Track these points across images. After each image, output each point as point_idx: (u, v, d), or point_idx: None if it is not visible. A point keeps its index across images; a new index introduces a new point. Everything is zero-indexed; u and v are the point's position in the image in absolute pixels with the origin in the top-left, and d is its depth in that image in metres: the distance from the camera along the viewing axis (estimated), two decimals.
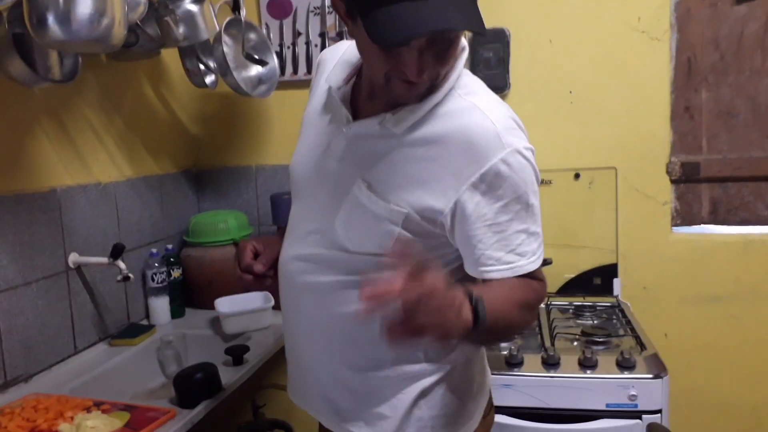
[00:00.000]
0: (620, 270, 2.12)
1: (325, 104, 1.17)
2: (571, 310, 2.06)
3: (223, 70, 1.94)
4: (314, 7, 2.21)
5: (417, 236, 1.03)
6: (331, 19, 2.20)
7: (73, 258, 1.70)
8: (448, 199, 1.00)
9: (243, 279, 1.24)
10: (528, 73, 2.14)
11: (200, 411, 1.38)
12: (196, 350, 1.74)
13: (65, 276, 1.69)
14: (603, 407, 1.59)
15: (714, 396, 2.11)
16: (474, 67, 2.12)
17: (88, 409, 1.34)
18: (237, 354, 1.63)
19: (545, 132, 2.12)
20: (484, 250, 1.00)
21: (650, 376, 1.59)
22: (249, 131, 2.36)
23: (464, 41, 1.09)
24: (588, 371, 1.62)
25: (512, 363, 1.66)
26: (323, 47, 2.21)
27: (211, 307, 1.91)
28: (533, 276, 1.03)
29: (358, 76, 1.12)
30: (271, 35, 2.24)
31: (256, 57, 2.09)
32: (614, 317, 1.99)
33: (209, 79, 2.11)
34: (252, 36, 2.08)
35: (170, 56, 2.18)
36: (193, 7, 1.82)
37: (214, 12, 1.88)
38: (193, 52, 2.06)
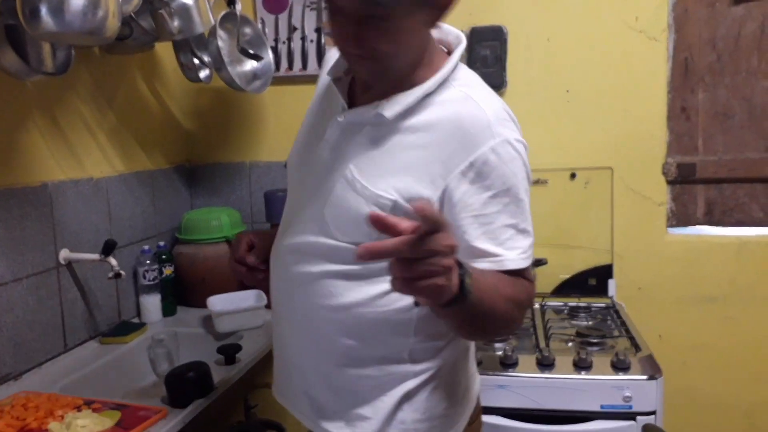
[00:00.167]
0: (615, 270, 2.12)
1: (324, 96, 1.18)
2: (565, 311, 2.05)
3: (218, 65, 1.93)
4: (310, 2, 2.19)
5: None
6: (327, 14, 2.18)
7: (64, 254, 1.68)
8: (437, 187, 0.99)
9: (236, 270, 1.25)
10: (525, 72, 2.14)
11: (192, 410, 1.36)
12: (188, 349, 1.72)
13: (56, 272, 1.67)
14: (598, 408, 1.58)
15: (708, 397, 2.11)
16: (471, 64, 2.09)
17: (78, 408, 1.32)
18: (229, 353, 1.61)
19: (542, 131, 2.12)
20: (470, 241, 0.98)
21: (645, 377, 1.59)
22: (243, 127, 2.34)
23: (461, 34, 1.10)
24: (582, 372, 1.61)
25: (507, 363, 1.66)
26: (319, 43, 2.20)
27: (204, 305, 1.90)
28: (523, 276, 1.01)
29: None
30: (267, 30, 2.21)
31: (251, 52, 2.07)
32: (609, 318, 1.99)
33: (203, 73, 2.10)
34: (247, 30, 2.07)
35: (164, 50, 2.15)
36: (189, 0, 1.80)
37: (209, 5, 1.86)
38: (187, 45, 2.04)
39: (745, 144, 2.08)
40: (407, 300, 0.93)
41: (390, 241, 0.72)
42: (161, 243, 2.06)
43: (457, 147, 0.98)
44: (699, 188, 2.13)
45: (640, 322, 1.94)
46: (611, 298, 2.10)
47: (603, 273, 2.11)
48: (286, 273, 1.14)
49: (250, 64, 2.10)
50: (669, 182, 2.11)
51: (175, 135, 2.31)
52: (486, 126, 0.98)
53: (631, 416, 1.58)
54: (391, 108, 1.02)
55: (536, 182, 2.11)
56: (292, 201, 1.21)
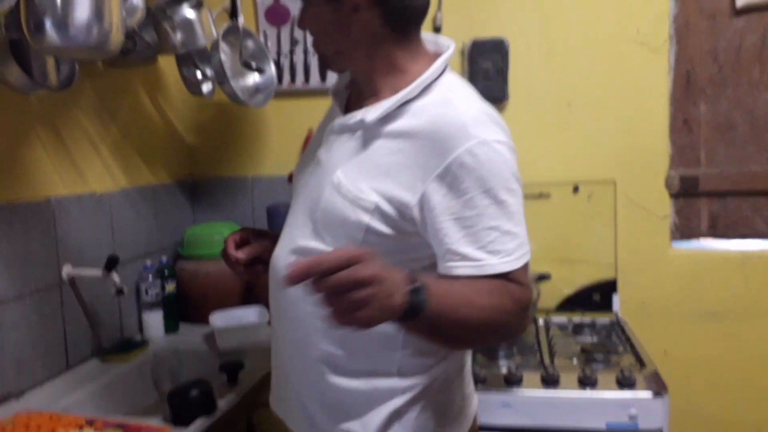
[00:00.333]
0: (619, 285, 2.11)
1: (329, 112, 1.24)
2: (570, 327, 2.04)
3: (221, 78, 1.92)
4: None
5: (390, 232, 1.02)
6: None
7: (67, 270, 1.67)
8: (415, 192, 0.99)
9: (225, 263, 1.29)
10: (527, 84, 2.14)
11: (195, 429, 1.35)
12: (191, 366, 1.71)
13: (59, 289, 1.66)
14: (603, 427, 1.57)
15: (714, 413, 2.09)
16: (473, 77, 2.11)
17: (80, 427, 1.31)
18: (232, 371, 1.60)
19: (544, 144, 2.12)
20: (450, 245, 0.97)
21: (650, 394, 1.57)
22: (245, 141, 2.34)
23: (452, 43, 1.11)
24: (588, 389, 1.60)
25: (511, 381, 1.64)
26: None
27: (206, 321, 1.89)
28: (512, 279, 0.97)
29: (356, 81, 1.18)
30: (269, 43, 2.21)
31: (254, 65, 2.07)
32: (613, 334, 1.98)
33: (206, 87, 2.09)
34: (250, 43, 2.06)
35: (167, 64, 2.15)
36: (191, 14, 1.81)
37: (211, 19, 1.86)
38: (190, 59, 2.04)
39: (748, 156, 2.08)
40: None
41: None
42: (164, 258, 2.05)
43: (434, 151, 0.99)
44: (702, 201, 2.12)
45: (645, 337, 1.92)
46: (615, 313, 2.09)
47: (607, 288, 2.10)
48: (279, 278, 1.15)
49: (253, 78, 2.09)
50: (672, 196, 2.10)
51: (177, 149, 2.31)
52: (461, 128, 0.98)
53: None
54: (372, 113, 1.05)
55: (539, 196, 2.10)
56: (291, 209, 1.23)
